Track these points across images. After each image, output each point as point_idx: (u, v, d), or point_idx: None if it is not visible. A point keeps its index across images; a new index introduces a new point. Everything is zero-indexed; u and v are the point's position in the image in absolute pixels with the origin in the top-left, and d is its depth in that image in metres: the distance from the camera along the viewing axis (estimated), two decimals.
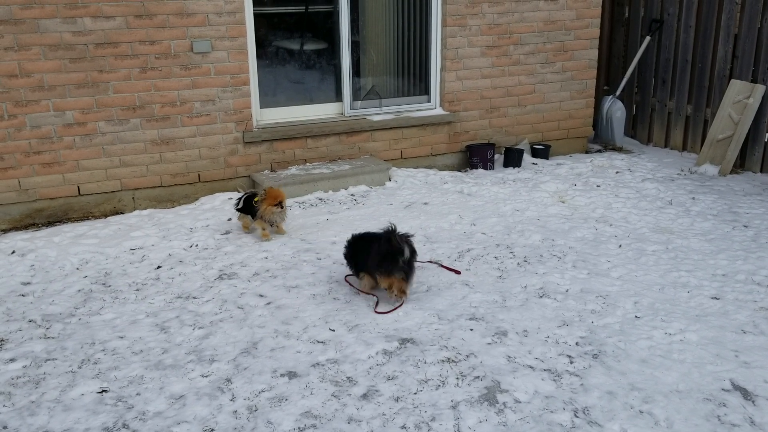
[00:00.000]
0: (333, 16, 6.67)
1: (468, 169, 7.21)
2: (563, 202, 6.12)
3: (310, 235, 5.36)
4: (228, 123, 6.16)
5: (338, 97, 6.84)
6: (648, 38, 7.86)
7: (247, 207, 5.27)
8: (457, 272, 4.67)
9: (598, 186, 6.55)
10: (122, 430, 3.09)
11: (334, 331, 3.92)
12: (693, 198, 6.18)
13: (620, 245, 5.13)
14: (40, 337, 3.90)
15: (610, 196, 6.25)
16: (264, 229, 5.25)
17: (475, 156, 7.11)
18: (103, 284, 4.59)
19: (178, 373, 3.52)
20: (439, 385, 3.38)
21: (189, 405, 3.25)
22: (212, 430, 3.08)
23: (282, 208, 5.15)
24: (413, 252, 4.11)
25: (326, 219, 5.69)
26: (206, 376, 3.49)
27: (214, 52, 5.95)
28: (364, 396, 3.31)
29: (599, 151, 7.97)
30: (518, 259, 4.89)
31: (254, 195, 5.24)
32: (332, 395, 3.32)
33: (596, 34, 7.54)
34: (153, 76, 5.79)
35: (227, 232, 5.43)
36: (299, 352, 3.70)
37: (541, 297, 4.31)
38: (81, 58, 5.53)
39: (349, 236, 4.50)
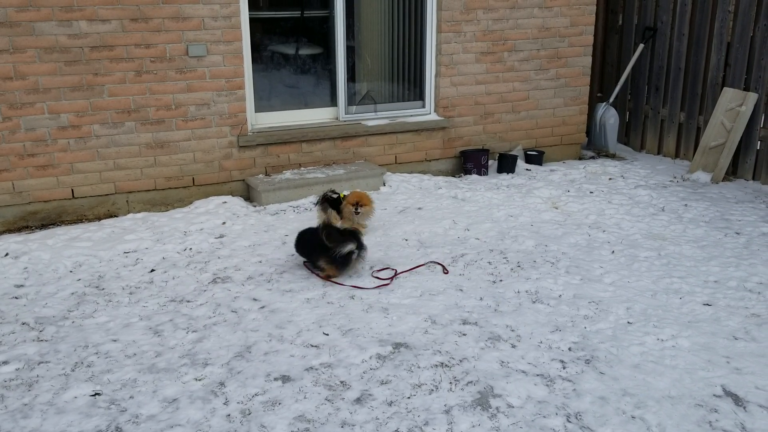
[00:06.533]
0: (328, 21, 6.69)
1: (462, 174, 7.24)
2: (556, 208, 6.15)
3: None
4: (223, 127, 6.17)
5: (333, 101, 6.85)
6: (641, 46, 7.91)
7: (333, 203, 5.49)
8: (446, 272, 4.74)
9: (591, 192, 6.58)
10: None
11: (327, 335, 3.92)
12: (685, 205, 6.21)
13: (613, 251, 5.16)
14: (33, 340, 3.89)
15: (603, 202, 6.27)
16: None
17: (469, 162, 7.14)
18: (97, 287, 4.58)
19: (172, 376, 3.52)
20: (432, 390, 3.39)
21: (182, 408, 3.25)
22: None
23: (357, 212, 5.33)
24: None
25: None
26: (200, 380, 3.49)
27: (210, 56, 5.96)
28: (358, 400, 3.32)
29: (592, 157, 8.01)
30: (512, 265, 4.90)
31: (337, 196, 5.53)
32: (326, 399, 3.32)
33: (590, 42, 7.59)
34: (148, 80, 5.80)
35: (221, 236, 5.43)
36: (293, 356, 3.70)
37: (534, 302, 4.33)
38: (76, 61, 5.53)
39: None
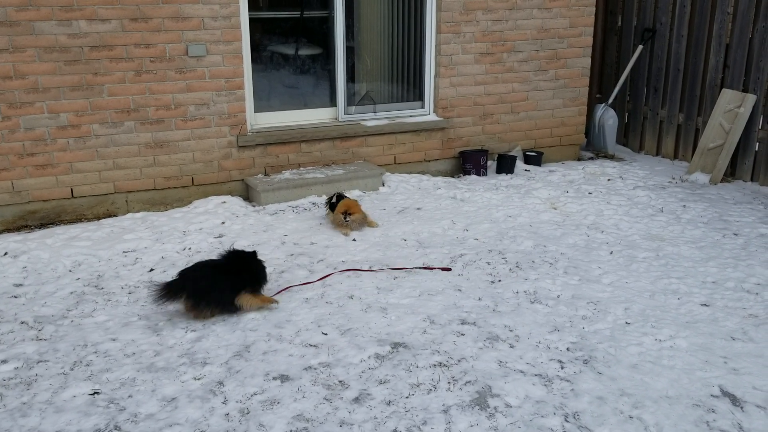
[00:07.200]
0: (328, 22, 6.70)
1: (461, 175, 7.24)
2: (555, 209, 6.16)
3: (302, 239, 5.37)
4: (222, 127, 6.17)
5: (332, 102, 6.86)
6: (640, 47, 7.92)
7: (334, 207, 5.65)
8: (448, 269, 4.79)
9: (589, 193, 6.59)
10: None
11: (326, 334, 3.93)
12: (684, 206, 6.22)
13: (611, 252, 5.17)
14: (32, 339, 3.90)
15: (601, 203, 6.28)
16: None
17: (468, 162, 7.15)
18: (96, 286, 4.59)
19: (170, 375, 3.53)
20: (430, 390, 3.40)
21: (181, 407, 3.26)
22: None
23: (346, 220, 5.42)
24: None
25: (319, 224, 5.71)
26: (198, 379, 3.50)
27: (209, 56, 5.97)
28: (356, 400, 3.32)
29: (591, 158, 8.02)
30: (510, 265, 4.91)
31: (342, 197, 5.67)
32: (324, 399, 3.33)
33: (589, 43, 7.59)
34: (148, 79, 5.80)
35: (220, 236, 5.43)
36: (291, 356, 3.71)
37: (532, 302, 4.34)
38: (76, 60, 5.53)
39: None
